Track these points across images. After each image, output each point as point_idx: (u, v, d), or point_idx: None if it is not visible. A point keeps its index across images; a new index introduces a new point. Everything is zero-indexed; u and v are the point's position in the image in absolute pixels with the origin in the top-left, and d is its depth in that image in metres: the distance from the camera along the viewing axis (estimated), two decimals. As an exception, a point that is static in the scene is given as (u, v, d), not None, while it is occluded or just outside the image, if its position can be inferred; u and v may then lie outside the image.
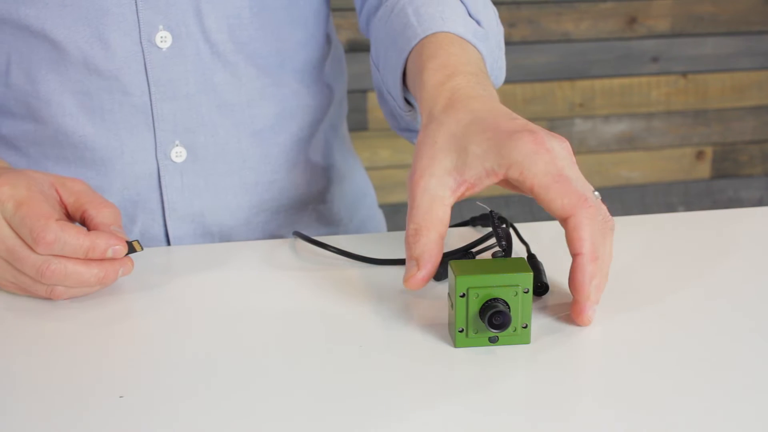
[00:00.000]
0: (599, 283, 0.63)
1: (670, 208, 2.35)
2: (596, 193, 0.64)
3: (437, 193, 0.63)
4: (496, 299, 0.62)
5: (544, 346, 0.64)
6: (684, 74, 2.26)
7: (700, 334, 0.65)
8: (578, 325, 0.65)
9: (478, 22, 0.78)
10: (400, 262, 0.75)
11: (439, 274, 0.71)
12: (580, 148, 2.26)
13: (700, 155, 2.34)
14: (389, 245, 0.79)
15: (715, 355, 0.62)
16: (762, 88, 2.31)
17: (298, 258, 0.78)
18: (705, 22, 2.24)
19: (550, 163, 0.61)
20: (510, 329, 0.63)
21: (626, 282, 0.73)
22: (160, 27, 0.81)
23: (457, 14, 0.77)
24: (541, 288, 0.70)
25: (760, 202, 2.39)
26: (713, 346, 0.64)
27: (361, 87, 1.97)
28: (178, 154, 0.85)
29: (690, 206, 2.36)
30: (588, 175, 2.43)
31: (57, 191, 0.72)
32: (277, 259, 0.78)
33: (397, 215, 2.18)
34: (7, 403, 0.58)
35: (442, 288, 0.71)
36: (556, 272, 0.73)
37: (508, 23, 2.14)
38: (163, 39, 0.82)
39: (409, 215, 0.64)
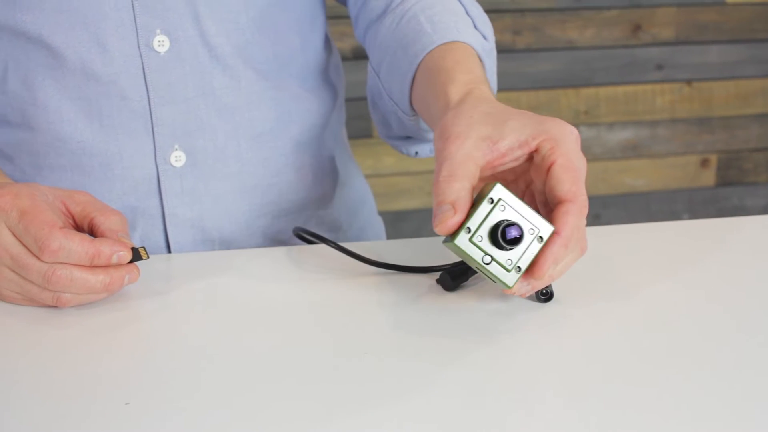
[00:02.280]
0: (562, 269, 0.66)
1: (675, 215, 2.34)
2: None
3: (471, 153, 0.64)
4: (515, 223, 0.63)
5: (544, 355, 0.63)
6: (688, 82, 2.26)
7: (702, 342, 0.65)
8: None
9: (484, 36, 0.81)
10: (404, 268, 0.75)
11: (450, 285, 0.71)
12: (584, 156, 2.26)
13: (704, 163, 2.33)
14: (392, 252, 0.79)
15: (715, 363, 0.62)
16: (767, 96, 2.30)
17: (299, 265, 0.78)
18: (709, 29, 2.23)
19: (575, 150, 0.66)
20: (505, 261, 0.63)
21: (629, 289, 0.72)
22: (158, 31, 0.81)
23: (468, 25, 0.80)
24: (546, 295, 0.70)
25: (764, 210, 2.39)
26: (715, 354, 0.63)
27: (366, 94, 1.97)
28: (178, 158, 0.85)
29: (695, 214, 2.36)
30: (593, 183, 2.41)
31: (63, 202, 0.72)
32: (279, 266, 0.78)
33: (400, 222, 2.18)
34: (12, 411, 0.58)
35: (451, 298, 0.71)
36: (561, 282, 0.73)
37: (512, 30, 2.14)
38: (161, 43, 0.81)
39: (441, 166, 0.64)
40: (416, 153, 0.92)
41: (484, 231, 0.63)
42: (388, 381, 0.60)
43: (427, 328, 0.67)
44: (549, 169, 0.65)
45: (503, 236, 0.63)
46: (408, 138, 0.89)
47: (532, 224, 0.64)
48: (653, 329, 0.66)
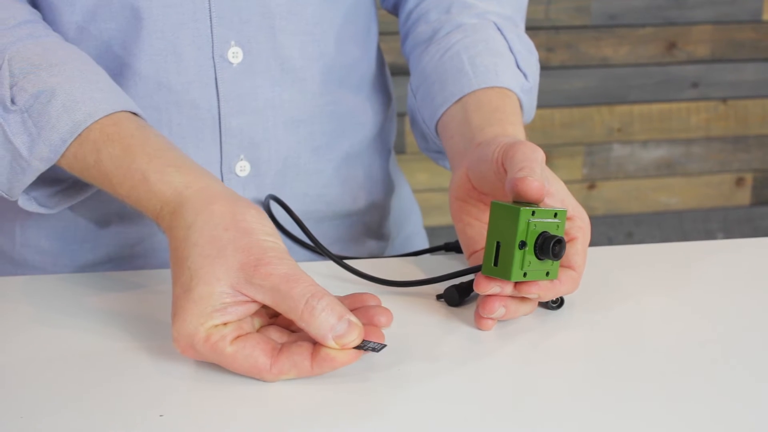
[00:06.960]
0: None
1: (709, 234, 2.33)
2: None
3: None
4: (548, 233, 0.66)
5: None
6: (724, 100, 2.25)
7: (734, 366, 0.64)
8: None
9: (525, 75, 0.84)
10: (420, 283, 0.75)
11: (454, 300, 0.73)
12: (618, 174, 2.25)
13: (740, 181, 2.32)
14: (436, 267, 0.79)
15: (741, 389, 0.62)
16: (803, 115, 2.29)
17: (341, 278, 0.78)
18: (745, 47, 2.22)
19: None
20: (525, 262, 0.66)
21: (661, 309, 0.72)
22: (232, 43, 0.83)
23: (508, 66, 0.83)
24: (557, 303, 0.72)
25: (801, 230, 2.37)
26: (744, 380, 0.63)
27: (399, 110, 1.97)
28: (242, 168, 0.86)
29: (729, 233, 2.34)
30: (626, 201, 2.40)
31: (239, 292, 0.62)
32: (321, 278, 0.78)
33: (432, 238, 2.18)
34: (48, 422, 0.58)
35: (454, 309, 0.71)
36: (586, 296, 0.72)
37: (546, 48, 2.14)
38: (235, 54, 0.83)
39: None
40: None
41: (531, 253, 0.66)
42: (425, 401, 0.61)
43: (462, 350, 0.67)
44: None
45: (553, 250, 0.65)
46: (442, 152, 0.91)
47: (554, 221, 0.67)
48: (684, 349, 0.66)
